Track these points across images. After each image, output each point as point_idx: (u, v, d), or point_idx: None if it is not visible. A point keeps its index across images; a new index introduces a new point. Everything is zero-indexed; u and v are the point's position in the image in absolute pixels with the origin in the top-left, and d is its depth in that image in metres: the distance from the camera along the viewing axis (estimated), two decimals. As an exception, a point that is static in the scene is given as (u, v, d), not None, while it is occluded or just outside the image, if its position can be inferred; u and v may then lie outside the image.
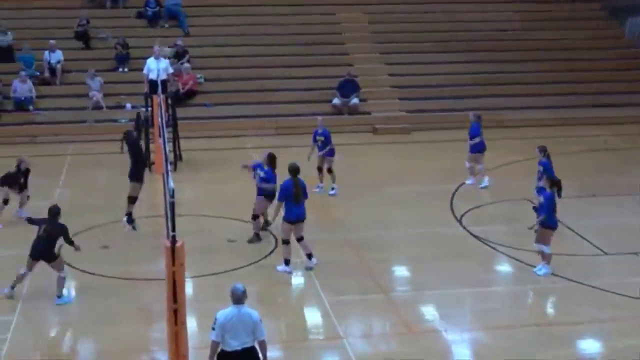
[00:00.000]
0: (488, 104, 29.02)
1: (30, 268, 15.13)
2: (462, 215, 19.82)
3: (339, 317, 14.43)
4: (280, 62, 30.94)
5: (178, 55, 29.33)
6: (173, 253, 10.48)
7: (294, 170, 16.27)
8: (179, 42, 30.07)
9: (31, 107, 28.03)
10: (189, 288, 14.16)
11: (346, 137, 25.81)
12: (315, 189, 20.89)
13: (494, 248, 17.78)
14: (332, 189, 21.39)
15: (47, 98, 28.73)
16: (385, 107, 29.78)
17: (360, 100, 29.66)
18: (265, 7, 32.94)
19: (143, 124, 22.23)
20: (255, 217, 17.96)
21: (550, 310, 15.39)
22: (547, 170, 18.62)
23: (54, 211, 15.27)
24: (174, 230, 10.53)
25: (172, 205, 10.57)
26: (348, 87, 29.36)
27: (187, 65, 29.15)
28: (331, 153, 21.49)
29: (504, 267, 17.19)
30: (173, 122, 23.81)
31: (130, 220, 18.68)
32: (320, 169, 21.54)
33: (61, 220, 15.18)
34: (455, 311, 14.98)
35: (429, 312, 14.99)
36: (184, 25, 31.85)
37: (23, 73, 28.15)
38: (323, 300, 15.13)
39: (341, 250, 17.69)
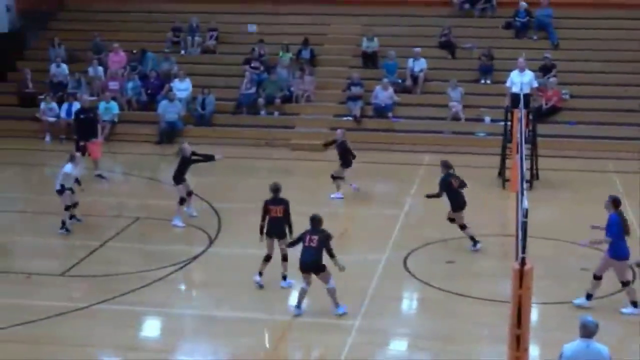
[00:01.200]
0: None
1: (307, 282, 14.72)
2: None
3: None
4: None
5: (544, 69, 28.24)
6: (521, 276, 10.02)
7: (618, 202, 15.08)
8: (547, 55, 28.99)
9: (390, 114, 28.15)
10: (534, 314, 13.59)
11: None
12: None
13: None
14: None
15: (407, 106, 28.75)
16: None
17: None
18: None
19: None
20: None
21: None
22: None
23: (319, 219, 14.73)
24: (524, 252, 10.04)
25: (525, 225, 10.17)
26: None
27: (553, 79, 27.99)
28: None
29: None
30: (532, 139, 22.90)
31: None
32: None
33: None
34: None
35: None
36: (553, 37, 30.58)
37: (385, 80, 28.43)
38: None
39: None
